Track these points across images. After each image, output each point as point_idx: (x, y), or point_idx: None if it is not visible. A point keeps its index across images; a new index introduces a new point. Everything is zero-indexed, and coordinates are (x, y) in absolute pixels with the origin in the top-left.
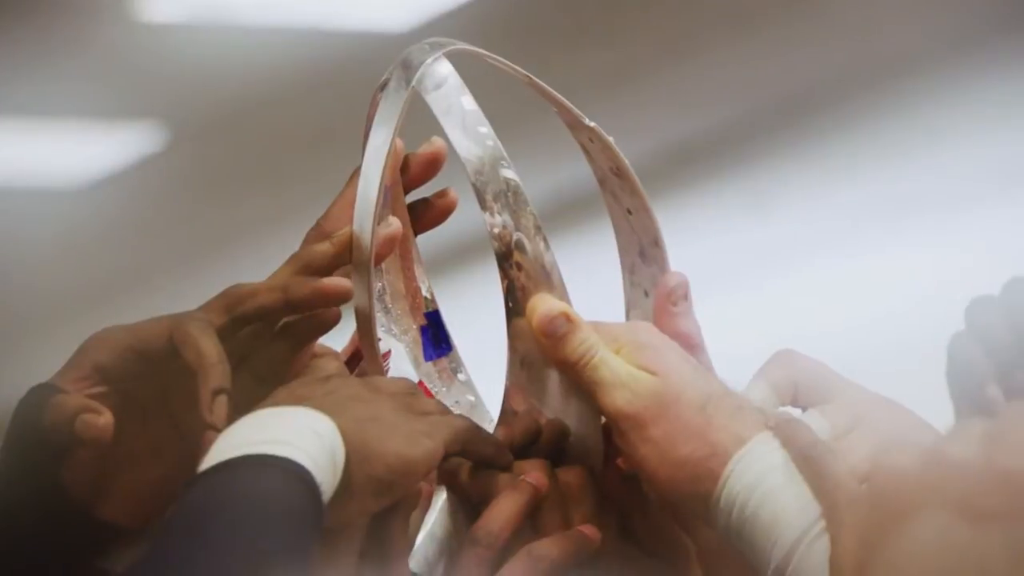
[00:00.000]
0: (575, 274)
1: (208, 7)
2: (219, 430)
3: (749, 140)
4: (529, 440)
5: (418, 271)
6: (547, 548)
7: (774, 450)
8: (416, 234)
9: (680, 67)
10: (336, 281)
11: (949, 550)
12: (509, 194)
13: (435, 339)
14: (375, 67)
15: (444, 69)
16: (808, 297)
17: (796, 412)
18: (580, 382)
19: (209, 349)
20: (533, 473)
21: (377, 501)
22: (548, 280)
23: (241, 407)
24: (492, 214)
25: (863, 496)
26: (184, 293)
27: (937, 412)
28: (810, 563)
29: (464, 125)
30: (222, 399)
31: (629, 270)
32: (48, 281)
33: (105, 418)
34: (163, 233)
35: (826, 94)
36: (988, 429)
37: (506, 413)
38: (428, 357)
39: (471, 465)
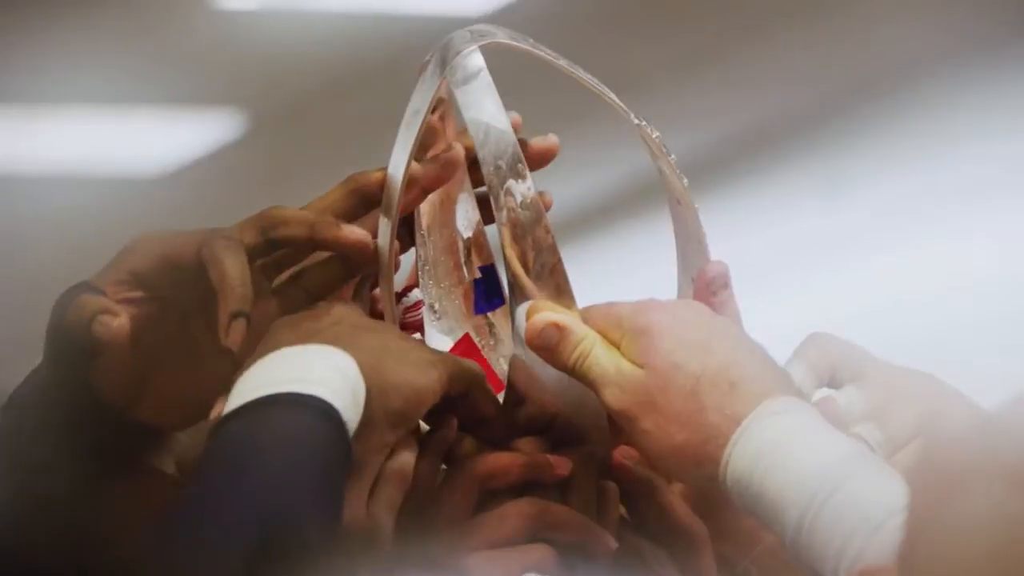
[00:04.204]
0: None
1: None
2: (234, 354)
3: (822, 125)
4: (534, 430)
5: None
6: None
7: (772, 424)
8: None
9: (751, 51)
10: (357, 233)
11: (1002, 522)
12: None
13: (488, 293)
14: None
15: (476, 63)
16: (875, 284)
17: (831, 392)
18: (582, 382)
19: (233, 271)
20: (560, 459)
21: (394, 433)
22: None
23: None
24: (524, 180)
25: (916, 462)
26: None
27: (995, 394)
28: (819, 536)
29: (487, 127)
30: (240, 323)
31: (680, 254)
32: None
33: (120, 321)
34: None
35: (898, 79)
36: None
37: (511, 392)
38: (479, 310)
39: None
